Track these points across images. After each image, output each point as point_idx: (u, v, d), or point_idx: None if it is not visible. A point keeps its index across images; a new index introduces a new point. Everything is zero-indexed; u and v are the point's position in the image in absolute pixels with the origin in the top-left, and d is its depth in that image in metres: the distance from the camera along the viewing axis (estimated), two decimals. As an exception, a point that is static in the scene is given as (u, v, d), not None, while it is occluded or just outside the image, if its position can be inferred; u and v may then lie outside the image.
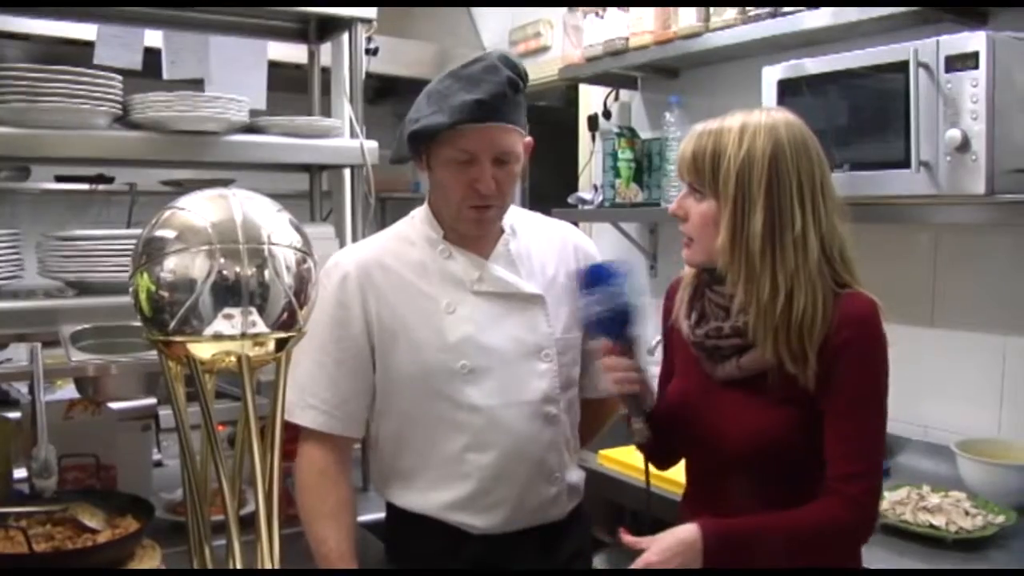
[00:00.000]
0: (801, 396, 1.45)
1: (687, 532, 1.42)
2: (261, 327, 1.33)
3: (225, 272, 1.29)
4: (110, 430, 2.16)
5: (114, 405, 2.23)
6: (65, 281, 2.06)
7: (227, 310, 1.30)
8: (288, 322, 1.36)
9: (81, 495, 1.89)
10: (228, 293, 1.29)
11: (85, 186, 4.11)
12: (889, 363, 1.46)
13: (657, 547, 1.41)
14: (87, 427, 2.11)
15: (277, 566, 1.37)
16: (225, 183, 3.06)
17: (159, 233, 1.33)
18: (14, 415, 2.21)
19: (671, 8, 2.78)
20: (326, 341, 1.69)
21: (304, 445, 1.72)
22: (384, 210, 4.49)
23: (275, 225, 1.36)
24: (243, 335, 1.32)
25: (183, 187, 3.84)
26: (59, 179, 4.10)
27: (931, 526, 1.89)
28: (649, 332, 1.78)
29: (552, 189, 3.60)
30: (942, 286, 2.40)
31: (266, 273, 1.32)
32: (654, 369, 1.78)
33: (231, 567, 1.38)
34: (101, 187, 4.12)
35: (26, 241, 2.05)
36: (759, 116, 1.49)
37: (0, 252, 1.95)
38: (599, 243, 2.39)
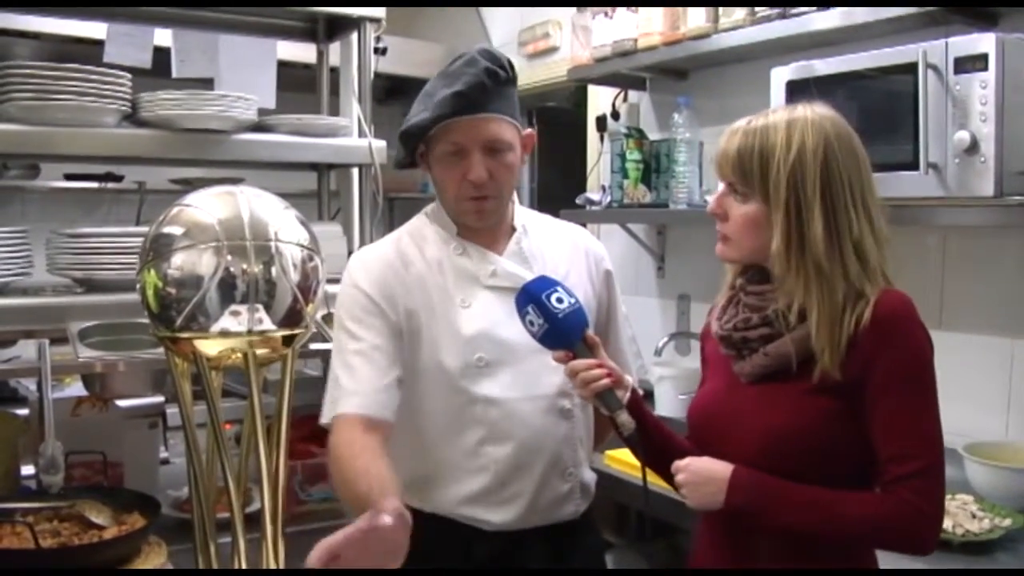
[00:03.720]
0: (832, 386, 1.40)
1: (720, 464, 1.44)
2: (267, 324, 1.33)
3: (232, 269, 1.29)
4: (117, 427, 2.17)
5: (121, 402, 2.24)
6: (73, 278, 2.07)
7: (234, 307, 1.31)
8: (294, 319, 1.36)
9: (88, 492, 1.90)
10: (235, 290, 1.30)
11: (94, 184, 4.12)
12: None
13: (690, 469, 1.45)
14: (94, 424, 2.12)
15: (282, 565, 1.38)
16: (234, 182, 3.07)
17: (167, 230, 1.33)
18: (22, 412, 2.22)
19: (680, 9, 2.78)
20: (360, 331, 1.63)
21: (338, 434, 1.56)
22: (392, 210, 4.50)
23: (282, 222, 1.37)
24: (249, 332, 1.33)
25: (192, 186, 3.85)
26: (68, 177, 4.11)
27: (938, 529, 1.88)
28: (656, 331, 1.77)
29: (560, 190, 3.60)
30: (950, 288, 2.39)
31: (273, 270, 1.33)
32: (659, 370, 1.78)
33: (236, 565, 1.38)
34: (110, 185, 4.14)
35: (35, 238, 2.06)
36: (804, 112, 1.44)
37: (9, 249, 1.96)
38: (607, 244, 2.37)
